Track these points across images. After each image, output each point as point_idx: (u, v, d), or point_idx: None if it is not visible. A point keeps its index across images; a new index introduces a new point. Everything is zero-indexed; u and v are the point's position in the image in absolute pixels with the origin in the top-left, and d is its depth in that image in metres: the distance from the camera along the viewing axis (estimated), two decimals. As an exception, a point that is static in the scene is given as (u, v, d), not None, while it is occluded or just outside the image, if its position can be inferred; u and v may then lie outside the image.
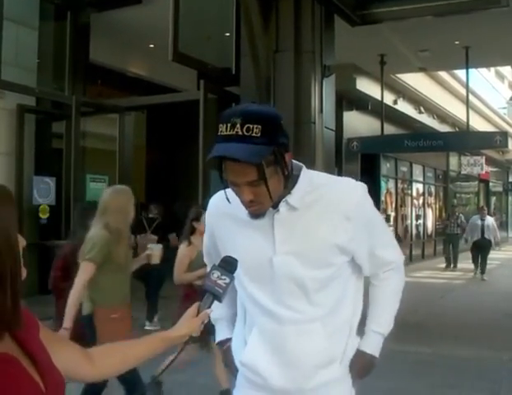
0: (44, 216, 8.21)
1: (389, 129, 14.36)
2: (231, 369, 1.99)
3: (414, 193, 18.92)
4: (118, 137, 8.88)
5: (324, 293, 1.77)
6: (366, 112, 14.12)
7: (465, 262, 15.47)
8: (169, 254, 4.66)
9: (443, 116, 18.13)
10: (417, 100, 16.07)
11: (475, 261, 13.99)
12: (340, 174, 11.29)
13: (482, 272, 13.68)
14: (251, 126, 1.55)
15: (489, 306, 9.49)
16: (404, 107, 15.40)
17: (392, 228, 15.55)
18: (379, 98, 13.00)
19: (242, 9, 7.01)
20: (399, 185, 17.66)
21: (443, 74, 16.64)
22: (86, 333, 3.60)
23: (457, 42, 11.10)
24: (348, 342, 1.85)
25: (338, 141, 10.45)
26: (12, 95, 7.88)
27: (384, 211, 15.82)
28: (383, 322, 1.93)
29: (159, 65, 9.94)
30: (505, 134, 13.26)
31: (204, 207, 2.03)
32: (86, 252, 3.61)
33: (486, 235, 13.92)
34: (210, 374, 4.46)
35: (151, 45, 10.33)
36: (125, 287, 3.81)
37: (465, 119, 13.01)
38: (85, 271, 3.60)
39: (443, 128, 17.92)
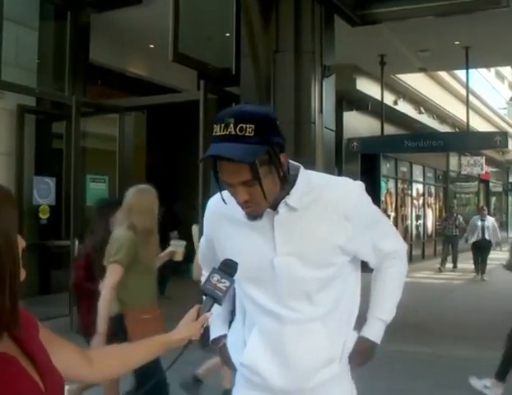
0: (44, 216, 8.21)
1: (389, 129, 14.36)
2: (229, 366, 1.98)
3: (414, 194, 18.92)
4: (118, 138, 8.87)
5: (325, 293, 1.78)
6: (366, 112, 14.12)
7: (465, 263, 15.47)
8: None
9: (443, 116, 18.13)
10: (417, 101, 16.08)
11: (476, 262, 13.97)
12: (340, 174, 11.29)
13: (482, 273, 13.68)
14: (244, 126, 1.56)
15: (489, 306, 9.48)
16: (404, 107, 15.41)
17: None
18: (379, 98, 13.00)
19: (242, 9, 7.01)
20: (399, 185, 17.67)
21: (443, 74, 16.65)
22: (117, 333, 3.54)
23: (457, 42, 11.11)
24: (347, 339, 1.85)
25: (338, 142, 10.44)
26: (12, 96, 7.88)
27: (384, 212, 15.82)
28: (386, 309, 1.93)
29: (159, 65, 9.93)
30: (504, 134, 13.27)
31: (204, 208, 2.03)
32: (113, 254, 3.56)
33: (486, 236, 13.90)
34: (211, 374, 4.46)
35: (151, 45, 10.33)
36: (153, 287, 3.77)
37: (465, 120, 13.02)
38: (113, 274, 3.55)
39: (443, 129, 17.93)
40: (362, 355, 1.89)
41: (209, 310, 1.58)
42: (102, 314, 3.51)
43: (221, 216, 1.85)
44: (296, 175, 1.75)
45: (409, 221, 18.22)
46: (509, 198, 31.33)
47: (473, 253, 14.12)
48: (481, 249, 13.84)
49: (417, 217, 19.06)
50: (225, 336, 1.98)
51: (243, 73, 7.35)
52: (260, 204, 1.67)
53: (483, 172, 18.23)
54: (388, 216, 15.98)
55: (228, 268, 1.61)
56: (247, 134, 1.56)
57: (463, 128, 14.78)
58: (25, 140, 8.12)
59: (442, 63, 13.63)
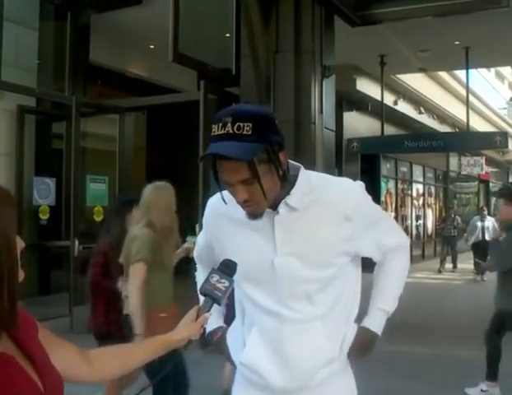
0: (44, 216, 8.20)
1: (389, 130, 14.37)
2: (227, 357, 1.97)
3: (414, 194, 18.92)
4: (118, 138, 8.87)
5: (325, 293, 1.78)
6: (366, 112, 14.13)
7: (465, 263, 15.46)
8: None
9: (443, 116, 18.13)
10: (417, 101, 16.08)
11: (476, 264, 13.92)
12: (340, 174, 11.29)
13: (482, 273, 13.66)
14: (241, 124, 1.56)
15: (489, 306, 9.47)
16: (404, 107, 15.41)
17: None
18: (379, 98, 13.00)
19: (242, 10, 7.01)
20: (399, 186, 17.67)
21: (443, 74, 16.65)
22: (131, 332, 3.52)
23: (457, 42, 11.11)
24: (347, 331, 1.84)
25: (338, 142, 10.44)
26: (12, 96, 7.88)
27: (384, 212, 15.81)
28: (387, 299, 1.93)
29: (159, 66, 9.93)
30: (504, 135, 13.27)
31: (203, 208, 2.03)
32: (135, 252, 3.52)
33: (486, 236, 13.87)
34: (212, 374, 4.46)
35: (152, 46, 10.33)
36: (171, 286, 3.74)
37: (465, 120, 13.02)
38: (138, 273, 3.50)
39: (443, 129, 17.93)
40: (362, 347, 1.87)
41: (209, 310, 1.59)
42: (137, 314, 3.46)
43: (221, 216, 1.85)
44: (296, 175, 1.75)
45: (409, 221, 18.22)
46: (510, 198, 31.28)
47: (474, 254, 14.09)
48: (481, 250, 13.80)
49: (417, 217, 19.07)
50: (221, 327, 1.98)
51: (243, 73, 7.35)
52: (260, 203, 1.67)
53: (483, 172, 18.22)
54: (388, 217, 15.96)
55: (227, 268, 1.61)
56: (244, 133, 1.56)
57: (463, 128, 14.78)
58: (25, 140, 8.12)
59: (442, 63, 13.63)
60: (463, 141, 13.39)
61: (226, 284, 1.58)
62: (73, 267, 7.71)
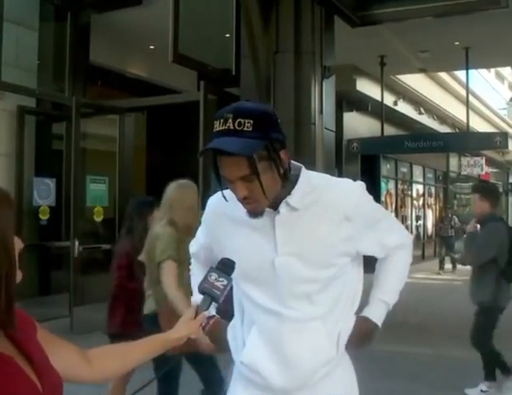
0: (44, 217, 8.21)
1: (389, 130, 14.37)
2: (221, 346, 1.96)
3: (414, 194, 18.93)
4: (118, 138, 8.87)
5: (325, 293, 1.77)
6: (366, 113, 14.13)
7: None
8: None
9: (443, 117, 18.14)
10: (417, 101, 16.08)
11: None
12: (340, 175, 11.28)
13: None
14: (242, 121, 1.56)
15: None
16: (404, 108, 15.42)
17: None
18: (379, 99, 13.01)
19: (242, 10, 7.01)
20: (399, 186, 17.68)
21: (443, 75, 16.66)
22: (151, 332, 3.50)
23: (457, 43, 11.11)
24: (343, 328, 1.83)
25: (338, 142, 10.45)
26: (12, 97, 7.88)
27: (384, 212, 15.80)
28: (388, 291, 1.92)
29: (159, 66, 9.93)
30: (504, 135, 13.28)
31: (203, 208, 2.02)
32: (160, 252, 3.46)
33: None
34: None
35: (152, 46, 10.33)
36: (188, 285, 3.75)
37: (465, 120, 13.03)
38: (170, 272, 3.44)
39: (443, 129, 17.94)
40: (361, 336, 1.85)
41: (207, 309, 1.59)
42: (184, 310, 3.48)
43: (222, 216, 1.85)
44: (298, 175, 1.74)
45: (409, 222, 18.22)
46: (510, 199, 31.33)
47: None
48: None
49: (417, 218, 19.07)
50: (213, 316, 1.96)
51: (243, 74, 7.35)
52: (260, 201, 1.67)
53: (483, 172, 18.24)
54: (388, 217, 15.96)
55: (225, 267, 1.61)
56: (245, 129, 1.56)
57: (463, 129, 14.79)
58: (25, 141, 8.13)
59: (442, 64, 13.63)
60: (463, 141, 13.40)
61: (225, 282, 1.58)
62: (73, 267, 7.71)
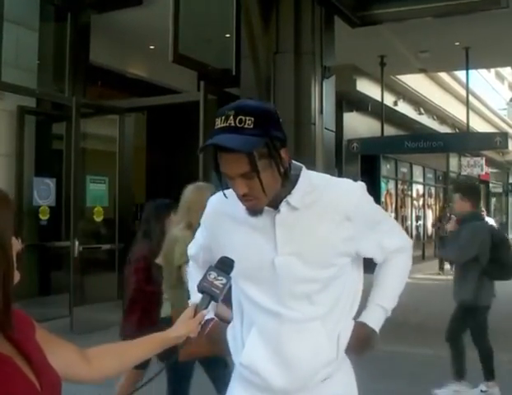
0: (44, 217, 8.20)
1: (389, 130, 14.37)
2: (221, 348, 1.96)
3: (414, 194, 18.92)
4: (118, 139, 8.87)
5: (325, 293, 1.77)
6: (366, 113, 14.13)
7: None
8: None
9: (443, 117, 18.13)
10: (417, 101, 16.08)
11: None
12: (340, 175, 11.28)
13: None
14: (244, 118, 1.57)
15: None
16: (404, 108, 15.41)
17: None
18: (379, 99, 13.01)
19: (242, 10, 7.01)
20: (399, 186, 17.67)
21: (443, 75, 16.65)
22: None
23: (457, 43, 11.11)
24: (342, 329, 1.82)
25: (338, 143, 10.45)
26: (12, 97, 7.88)
27: (384, 213, 15.79)
28: (386, 296, 1.91)
29: (159, 66, 9.94)
30: (505, 135, 13.27)
31: None
32: (179, 255, 3.41)
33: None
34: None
35: (152, 47, 10.33)
36: None
37: (465, 120, 13.03)
38: None
39: (443, 129, 17.93)
40: (359, 342, 1.84)
41: (206, 308, 1.59)
42: None
43: (222, 216, 1.85)
44: (298, 175, 1.75)
45: (409, 222, 18.21)
46: (510, 199, 31.34)
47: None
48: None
49: (417, 218, 19.05)
50: (211, 320, 1.96)
51: (243, 74, 7.35)
52: (259, 198, 1.66)
53: (483, 173, 18.21)
54: (388, 217, 15.95)
55: (225, 266, 1.61)
56: (246, 126, 1.57)
57: (463, 129, 14.79)
58: (26, 141, 8.13)
59: (442, 64, 13.63)
60: (463, 141, 13.39)
61: (224, 281, 1.58)
62: (73, 267, 7.71)
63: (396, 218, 16.79)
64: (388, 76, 13.02)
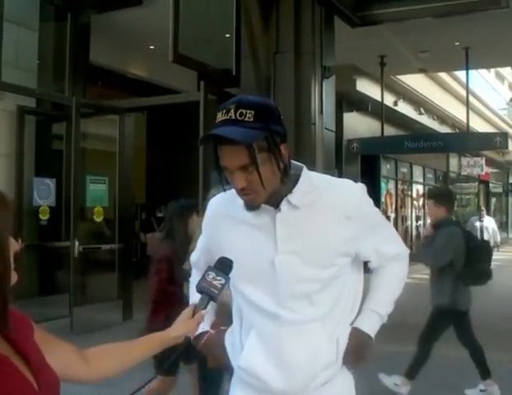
0: (44, 217, 8.21)
1: (389, 130, 14.38)
2: (216, 360, 1.95)
3: (414, 194, 18.92)
4: (118, 139, 8.87)
5: (326, 293, 1.76)
6: (366, 113, 14.14)
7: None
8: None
9: (443, 117, 18.14)
10: (417, 101, 16.09)
11: None
12: (340, 175, 11.28)
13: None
14: (244, 111, 1.59)
15: (488, 307, 9.48)
16: (404, 108, 15.42)
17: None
18: (379, 99, 13.01)
19: (242, 10, 7.01)
20: (399, 186, 17.68)
21: (443, 75, 16.67)
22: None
23: (457, 43, 11.11)
24: (342, 332, 1.81)
25: (338, 143, 10.45)
26: (12, 97, 7.88)
27: (384, 213, 15.81)
28: (381, 302, 1.89)
29: (159, 66, 9.94)
30: (505, 135, 13.29)
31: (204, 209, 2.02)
32: None
33: (485, 237, 13.81)
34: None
35: (152, 47, 10.34)
36: None
37: (465, 120, 13.03)
38: None
39: (443, 129, 17.94)
40: (354, 349, 1.81)
41: (205, 308, 1.60)
42: None
43: (223, 217, 1.85)
44: (299, 175, 1.75)
45: (409, 222, 18.23)
46: (510, 199, 31.34)
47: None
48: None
49: (417, 218, 19.06)
50: (206, 333, 1.95)
51: (243, 74, 7.35)
52: (258, 192, 1.67)
53: (483, 173, 18.21)
54: (388, 217, 15.98)
55: (223, 266, 1.62)
56: (246, 119, 1.58)
57: (463, 129, 14.79)
58: (25, 141, 8.13)
59: (442, 64, 13.64)
60: (463, 141, 13.40)
61: (222, 281, 1.59)
62: (73, 267, 7.71)
63: (396, 218, 16.82)
64: (388, 76, 13.02)
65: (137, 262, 9.95)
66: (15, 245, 1.17)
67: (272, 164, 1.65)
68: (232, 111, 1.59)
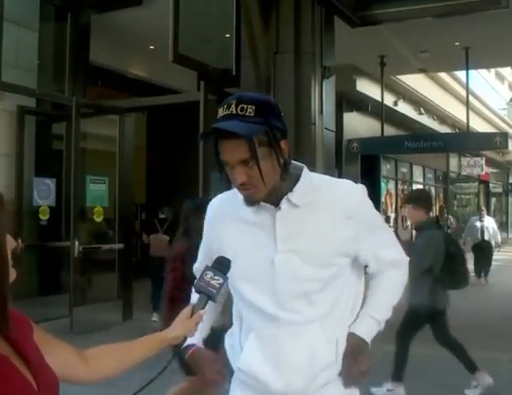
0: (44, 217, 8.20)
1: (389, 130, 14.38)
2: (202, 374, 1.92)
3: (414, 194, 18.90)
4: (118, 139, 8.87)
5: (325, 292, 1.75)
6: (366, 113, 14.14)
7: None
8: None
9: (443, 117, 18.14)
10: (417, 101, 16.09)
11: (477, 264, 13.77)
12: (340, 175, 11.29)
13: (485, 275, 13.57)
14: (245, 106, 1.61)
15: (488, 307, 9.48)
16: (404, 108, 15.42)
17: (392, 229, 15.57)
18: (380, 99, 13.01)
19: (242, 10, 7.01)
20: (399, 186, 17.69)
21: (443, 75, 16.67)
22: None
23: (457, 43, 11.11)
24: (341, 334, 1.80)
25: (338, 143, 10.45)
26: (12, 97, 7.88)
27: (384, 213, 15.83)
28: (378, 307, 1.87)
29: (159, 66, 9.94)
30: (504, 135, 13.29)
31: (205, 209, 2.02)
32: None
33: (485, 237, 13.79)
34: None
35: (152, 46, 10.34)
36: None
37: (465, 120, 13.03)
38: None
39: (443, 129, 17.94)
40: (350, 354, 1.79)
41: (203, 307, 1.59)
42: None
43: (222, 217, 1.85)
44: (299, 175, 1.75)
45: (409, 222, 18.21)
46: (510, 199, 31.34)
47: (475, 256, 13.95)
48: (481, 251, 13.67)
49: (417, 218, 19.03)
50: (192, 345, 1.91)
51: (243, 74, 7.36)
52: (258, 187, 1.67)
53: (483, 173, 18.24)
54: (388, 217, 15.99)
55: (221, 266, 1.62)
56: (247, 114, 1.60)
57: (463, 129, 14.79)
58: (25, 141, 8.13)
59: (442, 64, 13.64)
60: (463, 141, 13.40)
61: (220, 281, 1.59)
62: (73, 267, 7.71)
63: (396, 218, 16.82)
64: (388, 76, 13.02)
65: (137, 262, 9.95)
66: (12, 242, 1.17)
67: (272, 159, 1.66)
68: (233, 106, 1.62)
